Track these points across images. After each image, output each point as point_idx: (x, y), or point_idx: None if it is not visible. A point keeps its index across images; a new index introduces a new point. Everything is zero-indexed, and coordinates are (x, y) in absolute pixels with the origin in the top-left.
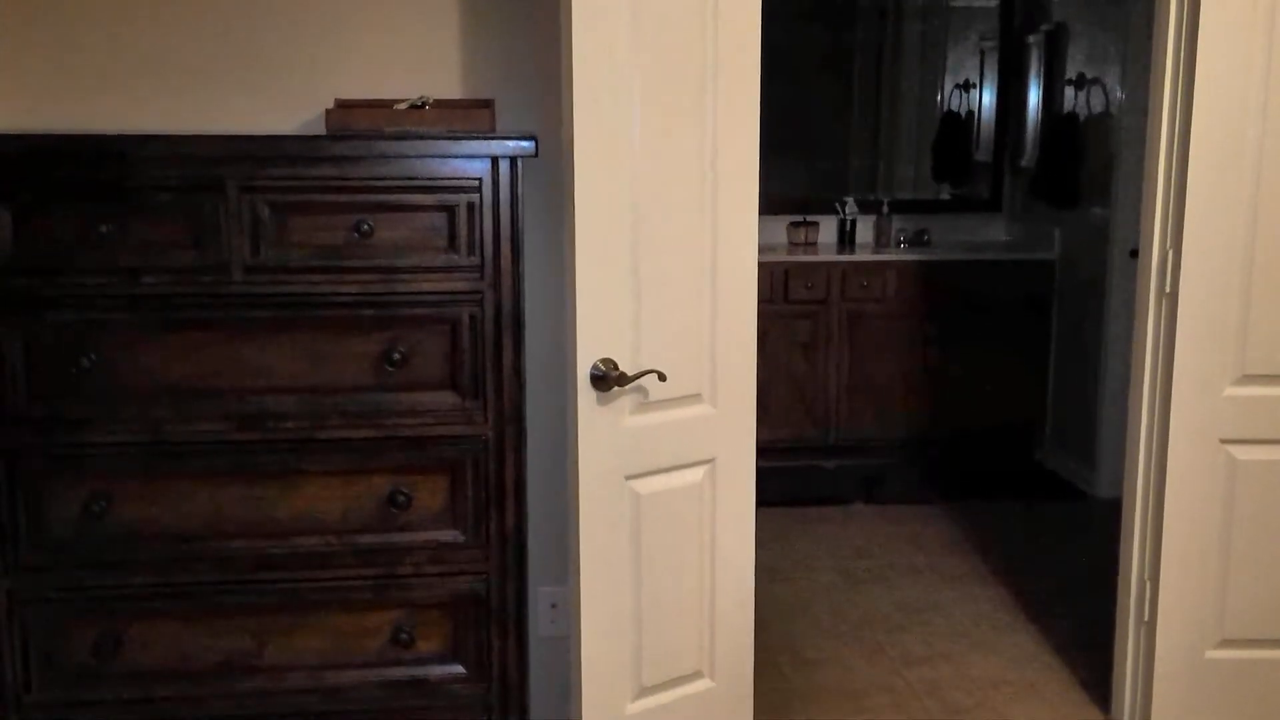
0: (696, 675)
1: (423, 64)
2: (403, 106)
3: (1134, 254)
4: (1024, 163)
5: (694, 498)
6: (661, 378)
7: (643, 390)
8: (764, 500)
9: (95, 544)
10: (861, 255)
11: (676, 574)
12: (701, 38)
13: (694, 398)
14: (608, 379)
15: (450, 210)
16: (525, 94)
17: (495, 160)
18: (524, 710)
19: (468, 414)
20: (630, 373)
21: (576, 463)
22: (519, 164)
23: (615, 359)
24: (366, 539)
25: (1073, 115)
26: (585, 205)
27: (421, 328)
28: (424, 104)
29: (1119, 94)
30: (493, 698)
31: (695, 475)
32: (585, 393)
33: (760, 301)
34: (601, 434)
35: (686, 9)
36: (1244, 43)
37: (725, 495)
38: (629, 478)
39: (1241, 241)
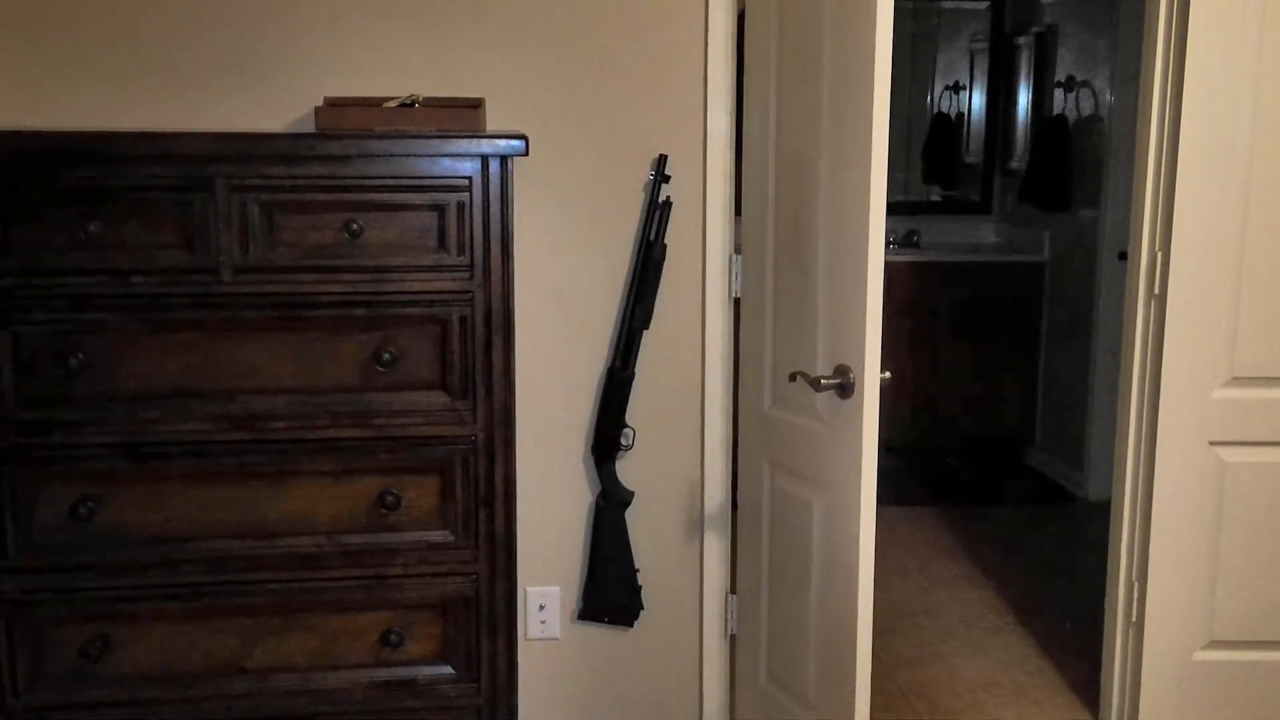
0: None
1: (413, 62)
2: (393, 105)
3: (1123, 256)
4: (1014, 165)
5: None
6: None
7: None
8: None
9: (84, 545)
10: None
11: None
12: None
13: None
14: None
15: (440, 210)
16: (515, 93)
17: (485, 160)
18: (513, 711)
19: (458, 414)
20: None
21: None
22: (510, 163)
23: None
24: (356, 540)
25: (1062, 118)
26: None
27: (411, 328)
28: (414, 103)
29: (1109, 96)
30: (482, 699)
31: None
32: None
33: None
34: None
35: None
36: (1233, 45)
37: None
38: None
39: (1231, 243)
